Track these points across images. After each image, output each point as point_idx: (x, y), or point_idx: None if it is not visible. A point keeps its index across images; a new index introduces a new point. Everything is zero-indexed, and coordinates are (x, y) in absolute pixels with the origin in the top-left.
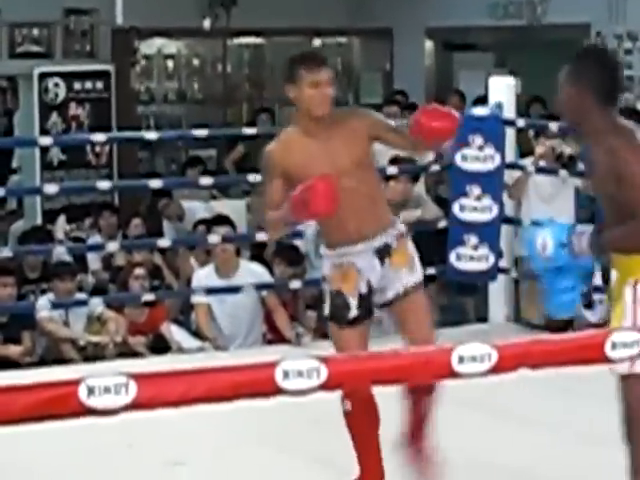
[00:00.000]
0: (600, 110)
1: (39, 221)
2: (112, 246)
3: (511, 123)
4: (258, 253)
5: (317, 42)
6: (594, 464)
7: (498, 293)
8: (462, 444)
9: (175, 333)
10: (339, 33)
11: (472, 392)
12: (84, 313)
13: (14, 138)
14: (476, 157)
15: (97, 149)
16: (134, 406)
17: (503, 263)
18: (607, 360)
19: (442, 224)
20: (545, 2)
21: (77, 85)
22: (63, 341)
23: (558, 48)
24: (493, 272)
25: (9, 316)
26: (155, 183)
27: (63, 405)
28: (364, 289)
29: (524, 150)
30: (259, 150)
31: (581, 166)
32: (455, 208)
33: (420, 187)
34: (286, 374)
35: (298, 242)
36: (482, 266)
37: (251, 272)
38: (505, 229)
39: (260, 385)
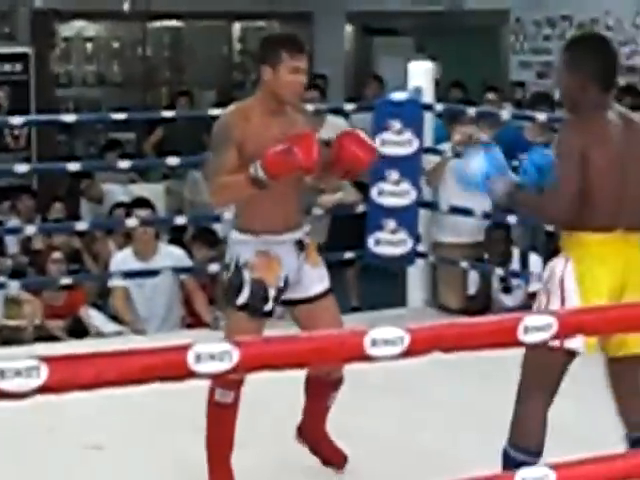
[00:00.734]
0: (597, 98)
1: None
2: (30, 229)
3: (429, 108)
4: (177, 237)
5: (237, 26)
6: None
7: (416, 278)
8: (378, 428)
9: (93, 317)
10: (259, 17)
11: (390, 376)
12: (1, 296)
13: None
14: (395, 142)
15: (15, 132)
16: (45, 389)
17: (421, 248)
18: (520, 344)
19: (361, 208)
20: None
21: None
22: None
23: (478, 34)
24: (411, 256)
25: None
26: (73, 166)
27: None
28: (282, 283)
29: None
30: (178, 133)
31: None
32: (373, 192)
33: None
34: (198, 357)
35: (216, 226)
36: (400, 250)
37: (170, 255)
38: (423, 214)
39: (172, 368)
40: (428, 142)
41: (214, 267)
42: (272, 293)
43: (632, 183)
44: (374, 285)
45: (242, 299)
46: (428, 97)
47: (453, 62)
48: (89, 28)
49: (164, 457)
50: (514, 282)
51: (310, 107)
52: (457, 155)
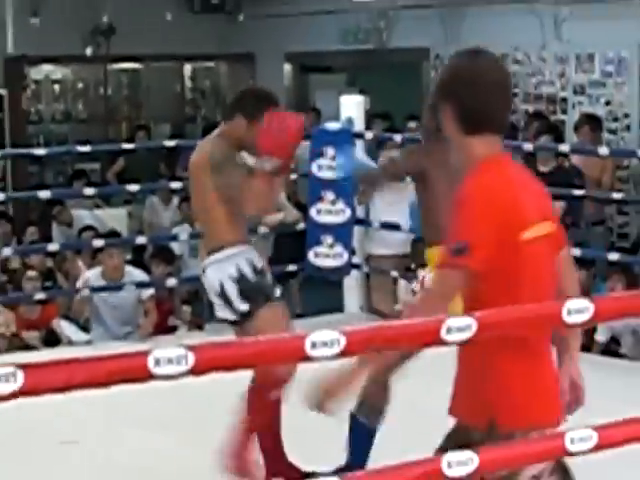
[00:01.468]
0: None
1: None
2: (7, 251)
3: (360, 136)
4: (138, 256)
5: (188, 67)
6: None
7: (352, 286)
8: None
9: (65, 328)
10: (207, 58)
11: None
12: None
13: None
14: (329, 166)
15: None
16: (22, 393)
17: (356, 259)
18: (443, 343)
19: (301, 226)
20: (389, 29)
21: None
22: None
23: (402, 69)
24: (347, 268)
25: None
26: (44, 194)
27: None
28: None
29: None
30: (138, 163)
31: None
32: (312, 211)
33: (281, 193)
34: (157, 361)
35: (173, 244)
36: (337, 262)
37: (134, 278)
38: (357, 229)
39: (134, 372)
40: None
41: (171, 281)
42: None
43: None
44: (315, 294)
45: (279, 291)
46: (359, 126)
47: (381, 95)
48: (56, 71)
49: (129, 452)
50: None
51: None
52: None
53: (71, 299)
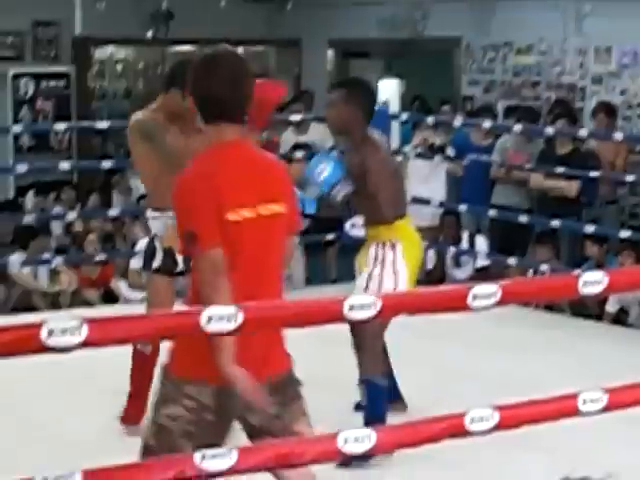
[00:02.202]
0: (363, 125)
1: (12, 195)
2: (71, 215)
3: (395, 117)
4: None
5: (239, 50)
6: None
7: None
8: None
9: (122, 287)
10: (257, 43)
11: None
12: (47, 269)
13: None
14: None
15: (59, 136)
16: (86, 344)
17: None
18: (469, 308)
19: None
20: (425, 19)
21: (44, 84)
22: (33, 291)
23: (435, 57)
24: None
25: None
26: (106, 164)
27: (27, 344)
28: None
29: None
30: None
31: (450, 152)
32: None
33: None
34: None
35: None
36: None
37: None
38: None
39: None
40: (394, 144)
41: None
42: (179, 258)
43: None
44: (350, 262)
45: (156, 263)
46: (395, 108)
47: (415, 80)
48: (119, 52)
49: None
50: (463, 259)
51: (297, 116)
52: (418, 155)
53: (128, 261)
